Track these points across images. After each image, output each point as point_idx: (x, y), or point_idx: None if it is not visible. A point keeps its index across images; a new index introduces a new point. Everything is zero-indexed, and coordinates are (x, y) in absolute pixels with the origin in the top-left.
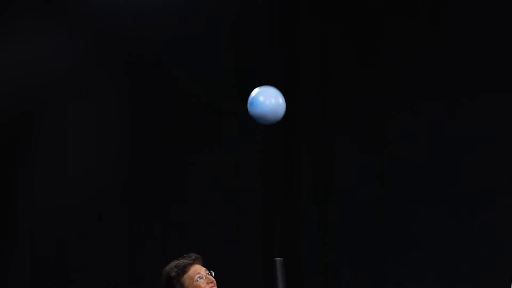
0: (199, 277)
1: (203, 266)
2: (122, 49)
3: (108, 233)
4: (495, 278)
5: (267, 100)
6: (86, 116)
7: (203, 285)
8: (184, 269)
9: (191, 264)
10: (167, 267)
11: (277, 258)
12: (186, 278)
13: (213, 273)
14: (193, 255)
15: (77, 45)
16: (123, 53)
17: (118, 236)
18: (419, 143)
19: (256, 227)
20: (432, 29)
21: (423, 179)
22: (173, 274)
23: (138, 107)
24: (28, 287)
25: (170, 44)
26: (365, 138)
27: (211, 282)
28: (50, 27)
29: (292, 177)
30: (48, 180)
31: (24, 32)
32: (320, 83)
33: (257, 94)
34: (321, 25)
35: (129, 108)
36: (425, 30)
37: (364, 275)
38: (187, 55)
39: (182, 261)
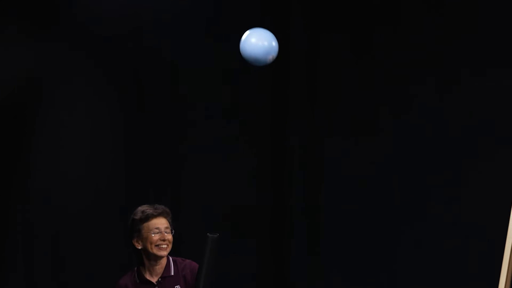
0: (156, 230)
1: (169, 222)
2: (117, 46)
3: (105, 233)
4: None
5: (260, 42)
6: (80, 117)
7: (154, 239)
8: (147, 218)
9: (155, 216)
10: (138, 208)
11: (209, 234)
12: (144, 226)
13: (173, 232)
14: (161, 208)
15: (69, 46)
16: (118, 51)
17: (116, 236)
18: (415, 140)
19: (251, 226)
20: (428, 17)
21: (421, 177)
22: (137, 217)
23: (132, 108)
24: (23, 286)
25: (166, 40)
26: (358, 134)
27: (164, 240)
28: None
29: (282, 177)
30: (45, 180)
31: (16, 34)
32: (311, 81)
33: (249, 36)
34: (314, 21)
35: (122, 111)
36: (420, 19)
37: (356, 278)
38: (183, 52)
39: (150, 210)
